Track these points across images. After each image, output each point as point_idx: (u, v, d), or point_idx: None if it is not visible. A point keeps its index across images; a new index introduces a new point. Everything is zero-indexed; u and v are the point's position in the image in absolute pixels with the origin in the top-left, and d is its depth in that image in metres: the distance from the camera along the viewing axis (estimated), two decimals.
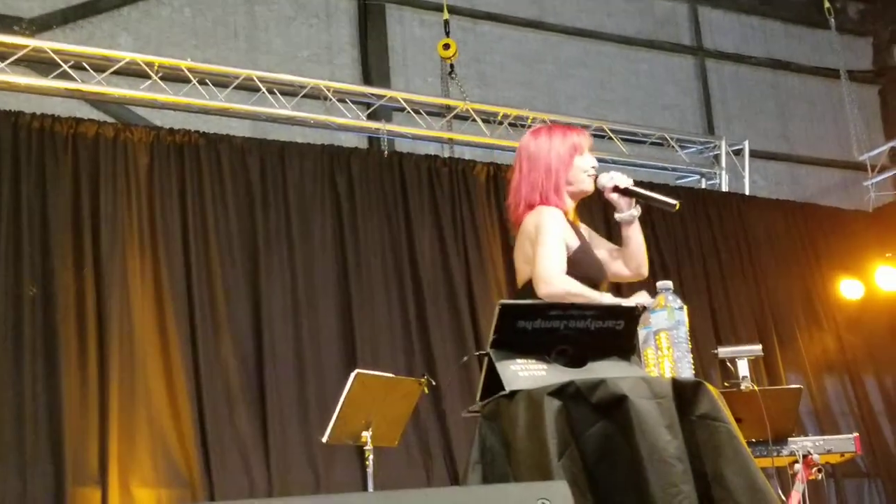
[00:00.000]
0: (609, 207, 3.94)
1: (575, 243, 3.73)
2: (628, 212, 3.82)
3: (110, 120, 7.65)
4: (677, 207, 3.78)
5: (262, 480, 6.92)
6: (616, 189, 3.81)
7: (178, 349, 6.97)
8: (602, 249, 3.94)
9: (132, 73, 7.70)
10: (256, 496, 6.74)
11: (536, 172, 3.83)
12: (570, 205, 3.87)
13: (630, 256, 3.89)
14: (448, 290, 8.10)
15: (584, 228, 3.95)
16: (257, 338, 7.30)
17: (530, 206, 3.80)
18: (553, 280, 3.53)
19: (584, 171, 3.83)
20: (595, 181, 3.84)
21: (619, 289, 4.03)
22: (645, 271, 3.91)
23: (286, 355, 7.34)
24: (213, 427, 6.90)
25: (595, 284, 3.69)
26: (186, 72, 7.79)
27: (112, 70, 7.58)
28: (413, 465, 7.41)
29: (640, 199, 3.82)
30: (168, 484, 6.66)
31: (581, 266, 3.69)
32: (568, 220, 3.80)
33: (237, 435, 6.99)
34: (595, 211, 7.38)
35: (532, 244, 3.70)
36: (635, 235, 3.86)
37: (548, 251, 3.61)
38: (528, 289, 3.69)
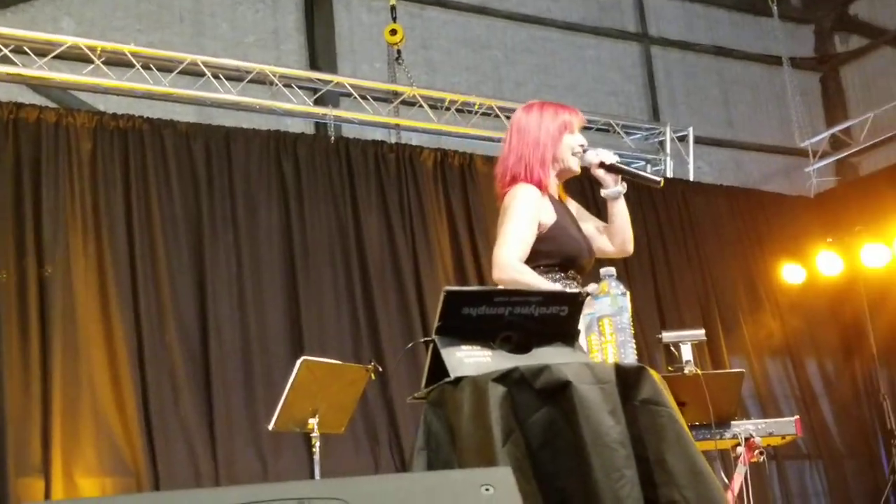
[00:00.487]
0: (595, 185, 4.04)
1: (550, 220, 3.77)
2: (614, 188, 3.89)
3: (52, 105, 7.54)
4: (661, 185, 3.96)
5: (208, 469, 6.89)
6: (602, 165, 3.88)
7: (123, 336, 6.91)
8: (589, 225, 4.02)
9: (75, 57, 7.61)
10: (202, 485, 6.71)
11: (524, 145, 3.89)
12: (556, 181, 3.93)
13: (615, 233, 3.99)
14: (395, 275, 8.10)
15: (572, 205, 4.03)
16: (202, 325, 7.26)
17: (514, 179, 3.85)
18: (505, 266, 3.59)
19: (571, 150, 3.89)
20: (582, 158, 3.91)
21: None
22: (630, 247, 4.04)
23: (232, 342, 7.31)
24: (158, 415, 6.86)
25: (573, 260, 3.78)
26: (130, 56, 7.71)
27: (54, 54, 7.49)
28: (361, 451, 7.42)
29: (625, 175, 3.90)
30: (112, 473, 6.61)
31: (556, 241, 3.76)
32: (549, 195, 3.86)
33: (182, 423, 6.95)
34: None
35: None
36: (620, 212, 3.95)
37: (508, 236, 3.67)
38: None
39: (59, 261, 6.87)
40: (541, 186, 3.82)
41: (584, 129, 10.02)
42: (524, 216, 3.70)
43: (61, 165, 7.10)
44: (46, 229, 6.90)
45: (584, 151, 3.91)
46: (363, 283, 7.94)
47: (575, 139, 3.92)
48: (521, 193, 3.76)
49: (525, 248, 3.66)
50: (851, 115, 11.32)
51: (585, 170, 3.96)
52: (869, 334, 9.58)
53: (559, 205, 3.89)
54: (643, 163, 10.15)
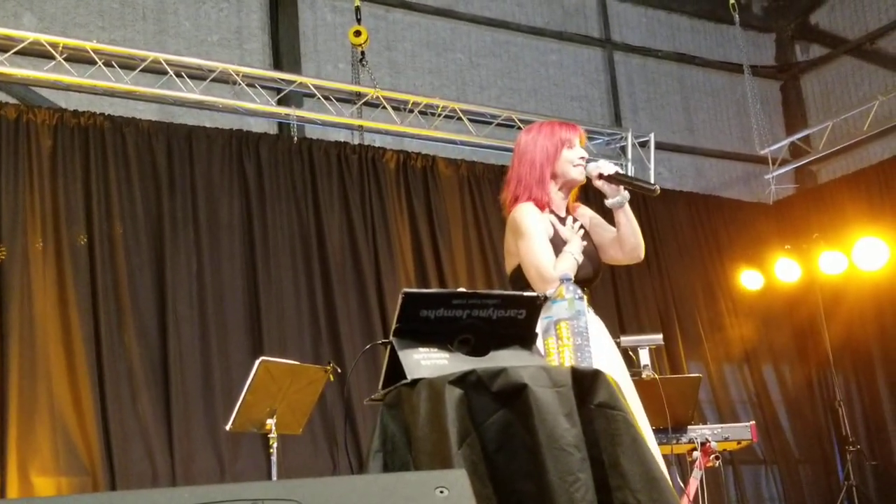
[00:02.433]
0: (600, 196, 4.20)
1: (549, 233, 4.02)
2: (615, 198, 4.06)
3: (13, 101, 7.49)
4: (657, 192, 4.07)
5: (165, 469, 6.86)
6: (601, 176, 4.06)
7: (81, 334, 6.87)
8: (606, 235, 4.22)
9: (36, 53, 7.56)
10: (159, 485, 6.68)
11: (523, 166, 4.15)
12: (560, 195, 4.16)
13: (623, 240, 4.14)
14: (356, 277, 8.10)
15: (585, 215, 4.24)
16: (161, 324, 7.23)
17: (516, 199, 4.12)
18: (550, 277, 3.82)
19: (571, 163, 4.09)
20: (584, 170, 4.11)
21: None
22: (640, 253, 4.18)
23: (191, 341, 7.28)
24: (116, 414, 6.82)
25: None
26: (92, 53, 7.67)
27: (15, 50, 7.43)
28: (319, 452, 7.41)
29: (623, 184, 4.06)
30: (68, 472, 6.57)
31: None
32: (552, 210, 4.10)
33: (140, 422, 6.92)
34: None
35: (514, 239, 4.05)
36: (625, 220, 4.11)
37: (535, 251, 3.94)
38: (514, 277, 4.09)
39: (18, 258, 6.82)
40: (540, 204, 4.06)
41: None
42: (535, 229, 3.98)
43: (21, 162, 7.05)
44: (5, 226, 6.85)
45: (586, 164, 4.11)
46: (324, 284, 7.94)
47: (574, 153, 4.12)
48: (524, 211, 4.03)
49: (552, 255, 3.94)
50: (811, 123, 11.43)
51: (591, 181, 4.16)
52: (825, 341, 9.68)
53: (559, 222, 4.08)
54: None
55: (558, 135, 4.14)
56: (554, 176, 4.12)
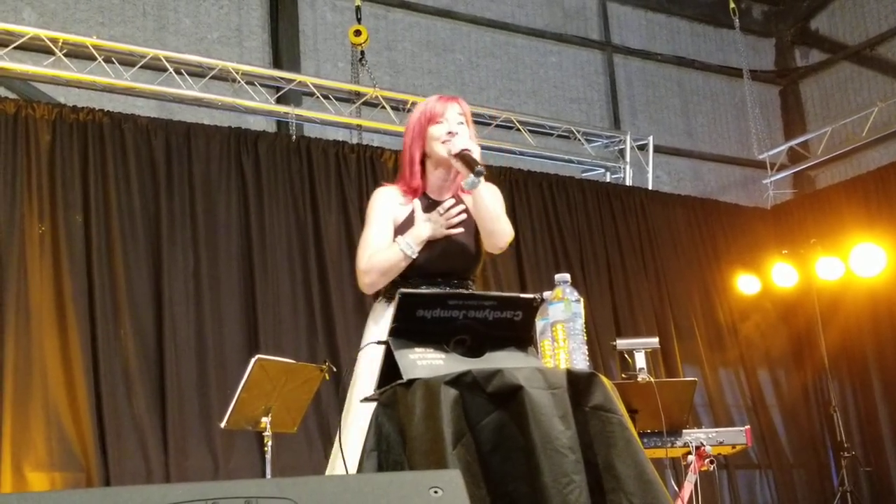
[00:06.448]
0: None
1: (401, 218, 3.80)
2: (466, 179, 3.65)
3: (12, 96, 7.48)
4: (478, 179, 3.59)
5: (159, 466, 6.85)
6: (451, 154, 3.73)
7: (77, 330, 6.86)
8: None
9: (36, 48, 7.56)
10: (153, 481, 6.67)
11: (403, 148, 3.90)
12: (440, 176, 3.86)
13: (479, 226, 3.80)
14: (353, 276, 8.01)
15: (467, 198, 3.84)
16: (158, 320, 7.22)
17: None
18: (362, 268, 3.79)
19: (438, 140, 3.78)
20: (451, 146, 3.75)
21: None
22: (497, 241, 3.76)
23: (187, 339, 7.27)
24: (111, 410, 6.81)
25: (423, 265, 3.74)
26: (92, 49, 7.67)
27: (15, 45, 7.44)
28: (313, 451, 7.40)
29: (465, 162, 3.66)
30: (62, 468, 6.56)
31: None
32: (426, 193, 3.85)
33: (135, 419, 6.91)
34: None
35: None
36: (478, 204, 3.74)
37: (363, 239, 3.81)
38: None
39: (15, 252, 6.81)
40: (410, 188, 3.83)
41: (545, 135, 9.92)
42: (374, 216, 3.81)
43: (20, 157, 7.04)
44: (2, 221, 6.84)
45: (454, 140, 3.75)
46: (321, 283, 7.93)
47: (440, 129, 3.78)
48: (372, 196, 3.86)
49: (378, 245, 3.75)
50: (810, 128, 11.44)
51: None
52: (821, 346, 9.66)
53: (430, 207, 3.78)
54: (603, 170, 10.22)
55: (424, 110, 3.83)
56: (427, 155, 3.81)
